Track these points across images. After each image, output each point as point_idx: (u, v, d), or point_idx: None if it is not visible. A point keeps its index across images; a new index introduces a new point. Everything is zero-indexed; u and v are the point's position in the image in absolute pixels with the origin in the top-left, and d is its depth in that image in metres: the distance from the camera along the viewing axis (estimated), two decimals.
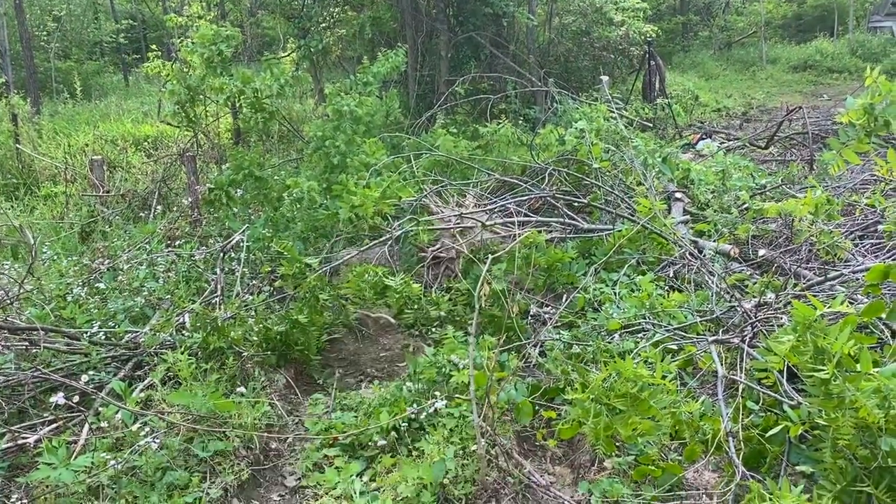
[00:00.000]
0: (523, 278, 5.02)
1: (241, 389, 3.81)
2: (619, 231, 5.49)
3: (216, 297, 4.87)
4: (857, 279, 4.33)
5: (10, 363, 3.91)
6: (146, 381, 3.87)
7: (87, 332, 4.26)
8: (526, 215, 6.20)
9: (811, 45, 21.77)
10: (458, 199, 6.19)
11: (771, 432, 2.94)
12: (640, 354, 3.68)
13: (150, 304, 4.87)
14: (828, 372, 2.57)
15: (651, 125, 11.27)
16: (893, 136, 6.81)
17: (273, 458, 3.69)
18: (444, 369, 3.94)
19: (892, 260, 4.79)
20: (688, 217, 6.54)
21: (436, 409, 3.64)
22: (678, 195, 6.93)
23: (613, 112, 7.43)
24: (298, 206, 5.89)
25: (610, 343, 4.17)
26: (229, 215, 6.32)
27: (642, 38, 13.53)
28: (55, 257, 5.90)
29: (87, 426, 3.47)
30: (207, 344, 4.08)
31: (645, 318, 4.42)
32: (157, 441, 3.31)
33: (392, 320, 4.81)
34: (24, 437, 3.42)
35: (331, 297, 4.74)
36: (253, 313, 4.62)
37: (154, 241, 5.99)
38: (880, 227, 5.37)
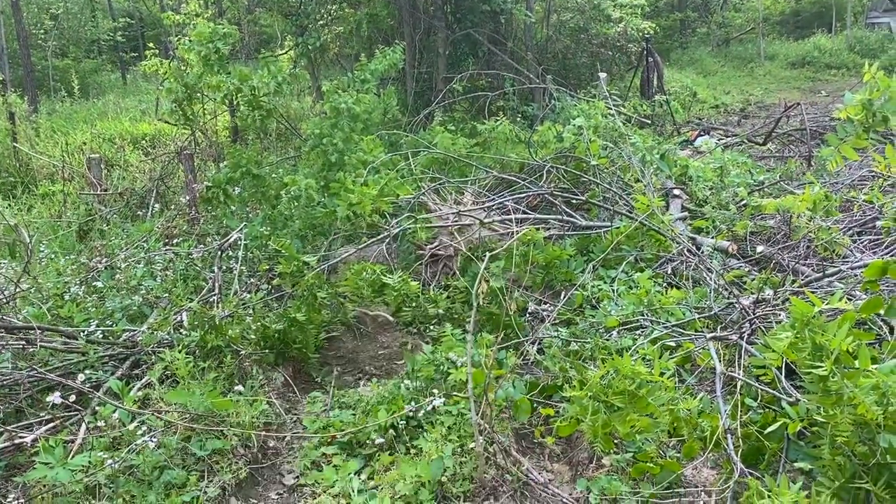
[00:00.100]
0: (521, 276, 5.01)
1: (239, 388, 3.80)
2: (618, 228, 5.48)
3: (214, 295, 4.86)
4: (856, 275, 4.33)
5: (6, 362, 3.91)
6: (144, 380, 3.87)
7: (84, 331, 4.26)
8: (524, 212, 6.20)
9: (809, 42, 21.76)
10: (456, 197, 6.18)
11: (769, 429, 2.93)
12: (638, 351, 3.69)
13: (148, 302, 4.86)
14: (826, 368, 2.57)
15: (649, 122, 11.25)
16: (892, 132, 6.80)
17: (271, 457, 3.69)
18: (442, 367, 3.93)
19: (891, 256, 4.79)
20: (686, 214, 6.54)
21: (434, 407, 3.64)
22: (676, 192, 6.93)
23: (611, 109, 7.42)
24: (296, 203, 5.88)
25: (608, 340, 4.17)
26: (227, 213, 6.31)
27: (640, 34, 13.51)
28: (52, 256, 5.90)
29: (84, 425, 3.46)
30: (205, 342, 4.07)
31: (643, 315, 4.42)
32: (155, 440, 3.31)
33: (390, 318, 4.80)
34: (21, 437, 3.41)
35: (329, 295, 4.73)
36: (251, 311, 4.61)
37: (152, 240, 5.98)
38: (878, 224, 5.37)
